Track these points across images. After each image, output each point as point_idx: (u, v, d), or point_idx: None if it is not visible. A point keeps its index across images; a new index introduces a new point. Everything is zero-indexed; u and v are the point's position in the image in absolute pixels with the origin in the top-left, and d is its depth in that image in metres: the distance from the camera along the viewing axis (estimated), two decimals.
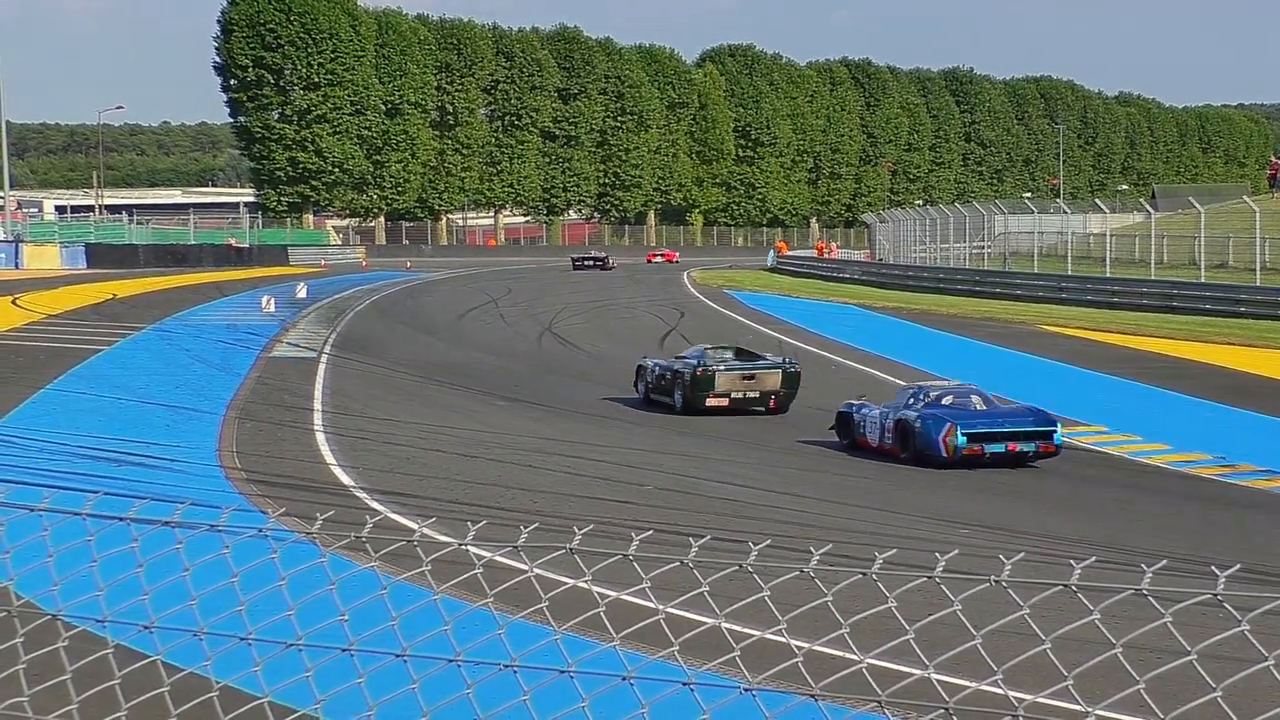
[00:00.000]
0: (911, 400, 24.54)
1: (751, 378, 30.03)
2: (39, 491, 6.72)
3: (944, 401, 24.24)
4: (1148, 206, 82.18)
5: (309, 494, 19.58)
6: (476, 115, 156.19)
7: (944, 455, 23.29)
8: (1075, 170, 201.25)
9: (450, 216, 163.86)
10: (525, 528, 4.91)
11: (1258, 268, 57.45)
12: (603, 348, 45.23)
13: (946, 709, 4.10)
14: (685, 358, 30.54)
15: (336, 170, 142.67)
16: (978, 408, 24.12)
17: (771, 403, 30.16)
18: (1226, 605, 3.84)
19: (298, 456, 23.12)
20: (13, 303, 59.25)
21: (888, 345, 45.01)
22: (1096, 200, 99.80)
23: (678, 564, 4.57)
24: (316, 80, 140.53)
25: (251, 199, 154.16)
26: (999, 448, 23.29)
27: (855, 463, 24.03)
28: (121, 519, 5.56)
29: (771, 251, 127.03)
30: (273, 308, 57.12)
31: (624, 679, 4.56)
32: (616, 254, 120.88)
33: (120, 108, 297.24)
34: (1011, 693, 4.08)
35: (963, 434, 23.24)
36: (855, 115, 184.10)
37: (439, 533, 14.09)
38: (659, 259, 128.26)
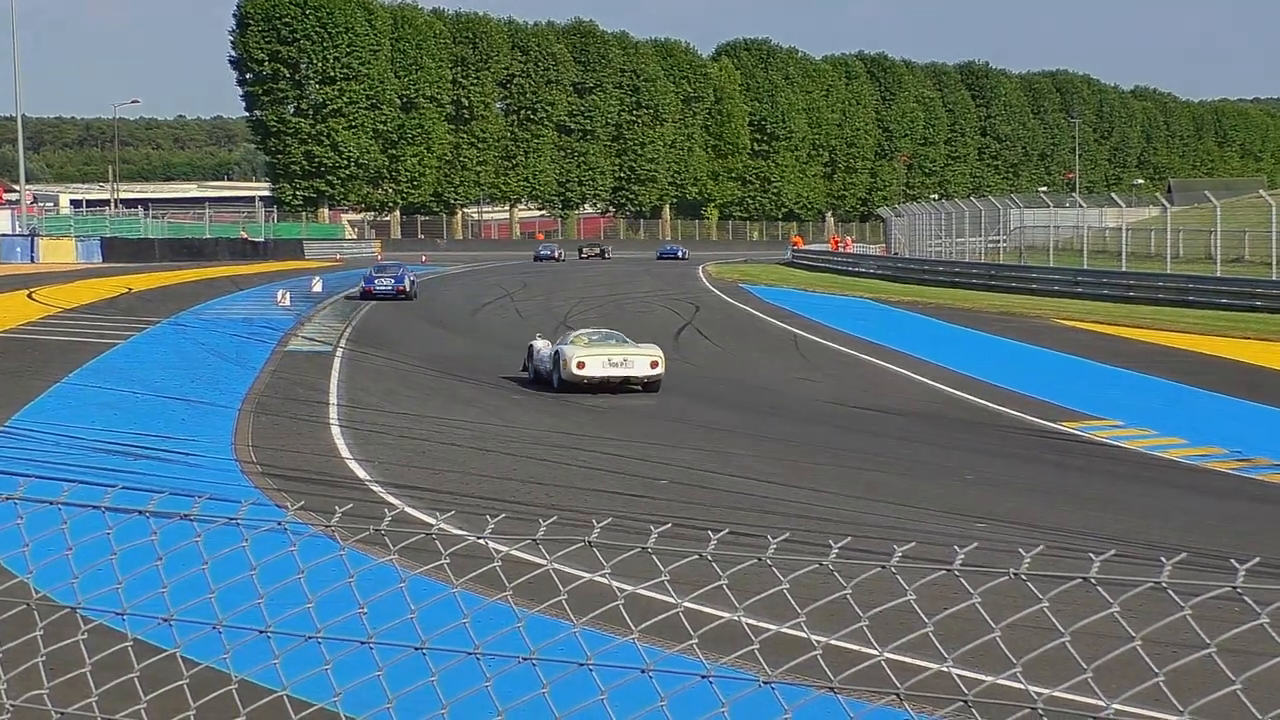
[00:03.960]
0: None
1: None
2: (57, 485, 6.74)
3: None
4: (1163, 200, 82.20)
5: (325, 488, 19.60)
6: (492, 109, 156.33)
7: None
8: (1091, 164, 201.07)
9: (465, 210, 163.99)
10: (543, 521, 4.92)
11: (1274, 262, 57.35)
12: None
13: (965, 702, 4.10)
14: None
15: (352, 164, 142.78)
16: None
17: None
18: (1246, 599, 3.84)
19: (313, 450, 23.15)
20: (29, 297, 59.36)
21: (903, 339, 44.98)
22: (1112, 194, 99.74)
23: (696, 557, 4.57)
24: (332, 74, 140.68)
25: (267, 193, 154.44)
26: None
27: (871, 457, 24.04)
28: (141, 512, 5.58)
29: (790, 248, 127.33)
30: (288, 302, 57.21)
31: (643, 672, 4.56)
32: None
33: (136, 102, 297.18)
34: (1030, 686, 4.08)
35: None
36: (871, 109, 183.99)
37: (457, 527, 14.12)
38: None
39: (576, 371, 33.14)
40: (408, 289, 65.90)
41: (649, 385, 33.53)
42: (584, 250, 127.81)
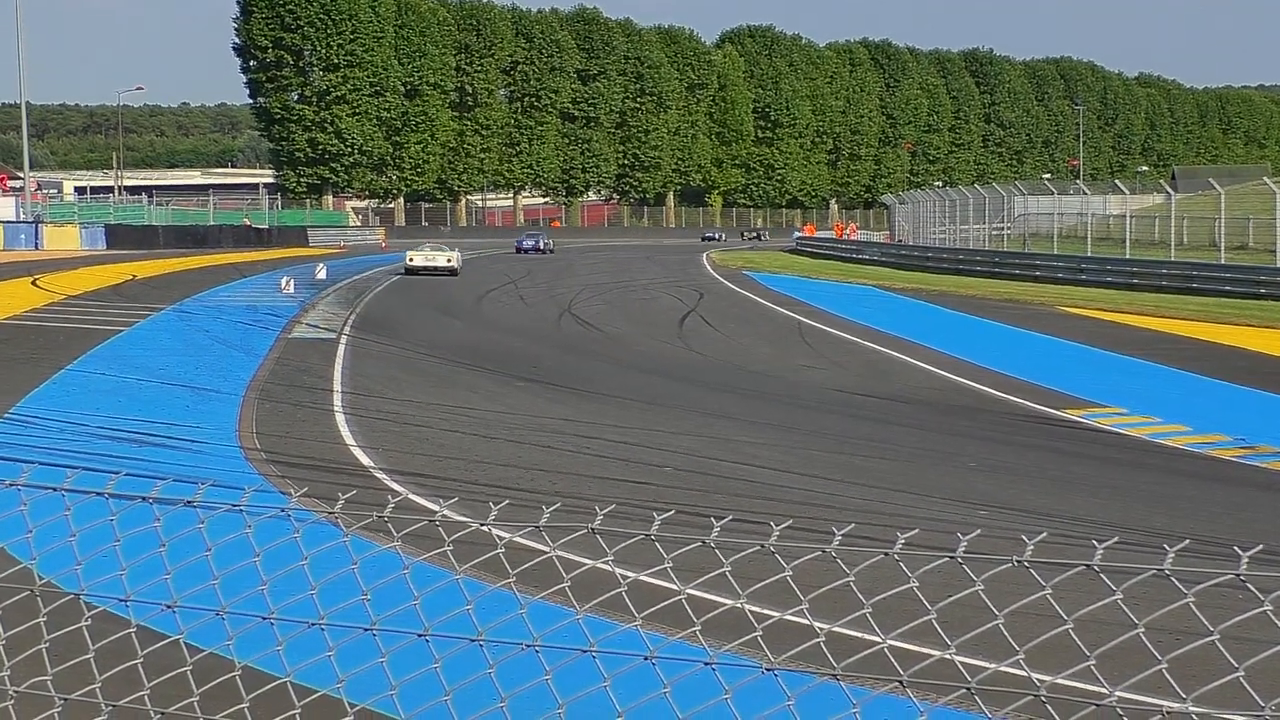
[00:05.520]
0: None
1: None
2: (60, 472, 6.74)
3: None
4: (1168, 188, 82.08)
5: (329, 475, 19.60)
6: (496, 96, 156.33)
7: None
8: (1095, 151, 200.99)
9: (469, 198, 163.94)
10: (546, 508, 4.91)
11: (1278, 249, 57.35)
12: (622, 329, 45.25)
13: (968, 689, 4.10)
14: None
15: (356, 152, 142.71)
16: None
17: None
18: (1249, 586, 3.84)
19: (317, 437, 23.14)
20: (33, 283, 59.36)
21: (907, 326, 44.99)
22: (1116, 181, 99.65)
23: (699, 544, 4.57)
24: (336, 61, 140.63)
25: (271, 180, 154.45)
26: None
27: (875, 445, 24.04)
28: (144, 499, 5.58)
29: (795, 232, 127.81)
30: (292, 289, 57.20)
31: (645, 659, 4.57)
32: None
33: (140, 89, 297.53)
34: (1033, 673, 4.08)
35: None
36: (875, 96, 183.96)
37: (460, 513, 14.13)
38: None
39: (409, 264, 72.07)
40: (542, 247, 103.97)
41: (451, 272, 71.25)
42: (745, 234, 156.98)
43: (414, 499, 17.47)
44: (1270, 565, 4.02)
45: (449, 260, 71.51)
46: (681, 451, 22.28)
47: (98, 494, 5.70)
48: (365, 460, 20.92)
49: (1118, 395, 29.53)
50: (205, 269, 75.31)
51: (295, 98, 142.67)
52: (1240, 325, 43.82)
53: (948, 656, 4.22)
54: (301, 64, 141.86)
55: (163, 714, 5.65)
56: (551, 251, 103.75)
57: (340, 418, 25.30)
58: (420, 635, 4.99)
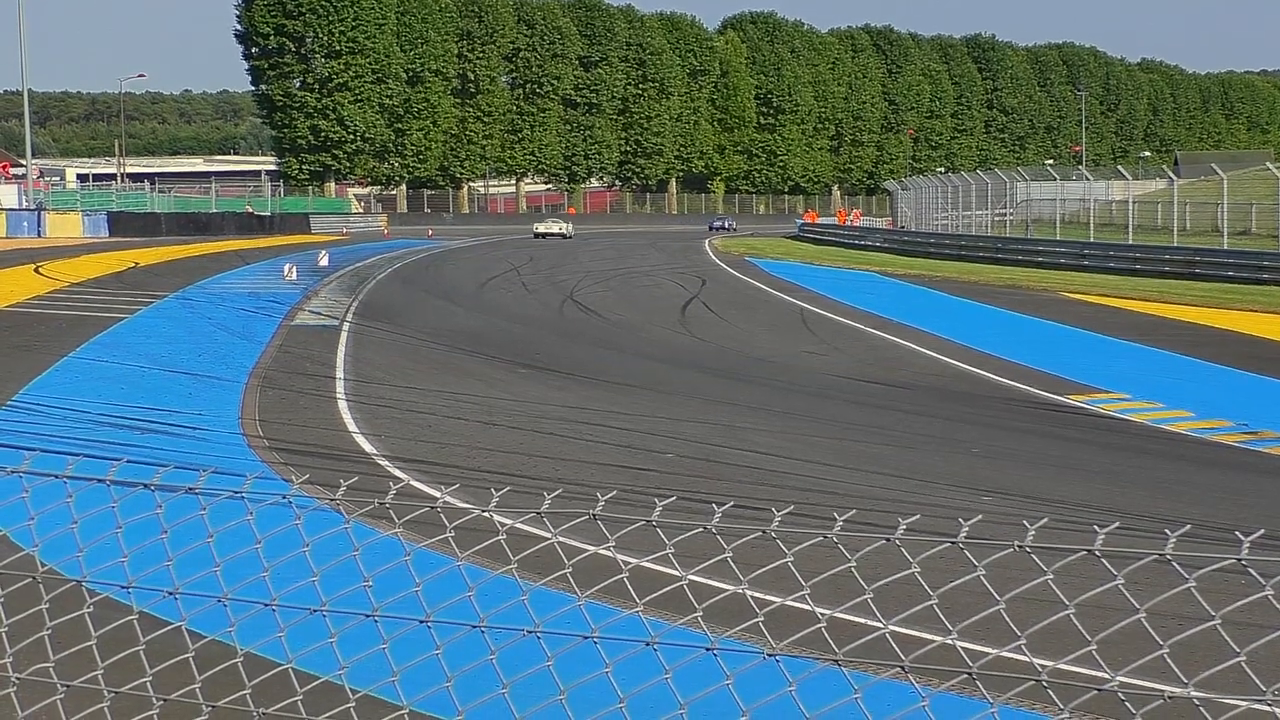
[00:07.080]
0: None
1: None
2: (62, 459, 6.74)
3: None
4: (1170, 173, 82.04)
5: (331, 461, 19.60)
6: (498, 83, 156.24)
7: None
8: (1098, 137, 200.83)
9: (471, 185, 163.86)
10: (548, 494, 4.91)
11: None
12: (625, 316, 45.23)
13: (970, 674, 4.10)
14: None
15: (358, 139, 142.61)
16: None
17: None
18: (1251, 570, 3.84)
19: (320, 424, 23.14)
20: (35, 271, 59.36)
21: (910, 313, 44.96)
22: (1119, 167, 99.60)
23: (701, 530, 4.57)
24: (338, 48, 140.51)
25: (273, 167, 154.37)
26: None
27: (878, 431, 24.03)
28: (145, 486, 5.58)
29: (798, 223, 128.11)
30: (294, 276, 57.17)
31: (647, 645, 4.57)
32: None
33: (142, 75, 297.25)
34: (1035, 659, 4.08)
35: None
36: (877, 82, 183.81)
37: (461, 500, 14.11)
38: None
39: (535, 231, 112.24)
40: (728, 227, 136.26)
41: (563, 236, 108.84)
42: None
43: (416, 485, 17.48)
44: (1272, 550, 4.01)
45: (561, 229, 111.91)
46: (683, 438, 22.27)
47: (99, 481, 5.70)
48: (367, 447, 20.93)
49: (1121, 381, 29.52)
50: (208, 256, 75.31)
51: (297, 84, 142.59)
52: (1243, 310, 43.80)
53: (949, 642, 4.22)
54: (303, 51, 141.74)
55: (164, 701, 5.66)
56: (735, 230, 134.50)
57: (342, 404, 25.31)
58: (422, 621, 4.99)
